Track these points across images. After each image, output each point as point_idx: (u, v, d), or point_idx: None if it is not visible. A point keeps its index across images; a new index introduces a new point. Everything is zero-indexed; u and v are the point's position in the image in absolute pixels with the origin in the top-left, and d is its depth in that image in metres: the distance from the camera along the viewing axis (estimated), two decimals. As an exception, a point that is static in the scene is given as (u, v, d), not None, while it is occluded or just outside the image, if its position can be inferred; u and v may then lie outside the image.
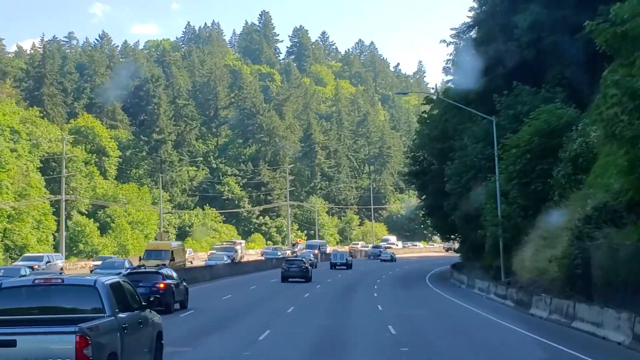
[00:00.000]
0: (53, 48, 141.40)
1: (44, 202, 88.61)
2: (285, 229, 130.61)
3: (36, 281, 12.61)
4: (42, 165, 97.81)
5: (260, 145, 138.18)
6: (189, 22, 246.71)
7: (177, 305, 30.04)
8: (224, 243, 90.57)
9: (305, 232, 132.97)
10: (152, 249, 53.14)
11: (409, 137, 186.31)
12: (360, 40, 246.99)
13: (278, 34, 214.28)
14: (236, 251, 76.21)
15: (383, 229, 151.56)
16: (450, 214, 43.12)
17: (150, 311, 14.17)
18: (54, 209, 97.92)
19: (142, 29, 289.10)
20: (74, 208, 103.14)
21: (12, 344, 10.63)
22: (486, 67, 38.30)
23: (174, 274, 31.42)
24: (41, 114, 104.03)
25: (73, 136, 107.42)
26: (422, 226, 67.87)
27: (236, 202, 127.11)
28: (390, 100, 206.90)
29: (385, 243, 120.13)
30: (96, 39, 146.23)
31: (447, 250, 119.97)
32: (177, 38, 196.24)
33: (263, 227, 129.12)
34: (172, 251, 52.26)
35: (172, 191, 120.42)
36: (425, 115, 58.76)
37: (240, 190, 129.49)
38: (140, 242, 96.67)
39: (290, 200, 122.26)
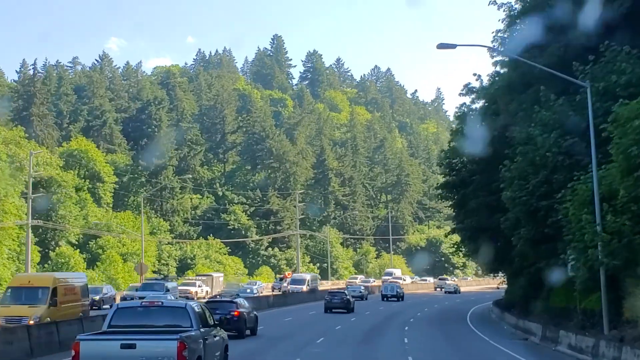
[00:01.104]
0: (50, 69, 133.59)
1: (17, 229, 79.40)
2: (296, 261, 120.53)
3: (143, 303, 18.48)
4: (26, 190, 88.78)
5: (269, 171, 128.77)
6: (200, 49, 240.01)
7: (247, 332, 32.98)
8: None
9: (318, 264, 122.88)
10: (17, 286, 31.38)
11: (428, 165, 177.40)
12: (376, 66, 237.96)
13: (291, 59, 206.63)
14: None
15: (401, 261, 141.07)
16: (506, 234, 32.18)
17: (219, 329, 19.61)
18: (39, 239, 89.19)
19: (157, 62, 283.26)
20: (63, 238, 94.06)
21: (133, 346, 15.53)
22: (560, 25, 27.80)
23: (246, 304, 35.04)
24: (27, 135, 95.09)
25: (63, 159, 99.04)
26: (457, 254, 54.00)
27: (243, 232, 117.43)
28: (408, 127, 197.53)
29: (390, 277, 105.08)
30: (96, 60, 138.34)
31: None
32: (186, 64, 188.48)
33: (272, 259, 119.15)
34: (53, 289, 30.56)
35: (173, 220, 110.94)
36: (468, 103, 46.93)
37: (248, 220, 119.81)
38: (133, 275, 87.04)
39: (301, 230, 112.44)
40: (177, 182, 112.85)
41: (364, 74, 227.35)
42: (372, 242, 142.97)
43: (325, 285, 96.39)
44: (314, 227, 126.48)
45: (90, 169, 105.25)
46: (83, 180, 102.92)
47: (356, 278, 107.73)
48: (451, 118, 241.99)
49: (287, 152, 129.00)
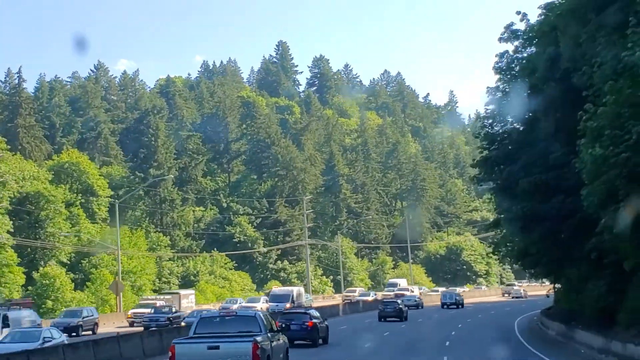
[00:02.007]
0: (43, 83, 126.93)
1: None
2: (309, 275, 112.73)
3: (221, 314, 23.15)
4: (11, 207, 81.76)
5: (276, 179, 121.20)
6: (204, 61, 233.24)
7: (320, 341, 35.55)
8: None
9: (332, 277, 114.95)
10: None
11: (445, 169, 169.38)
12: (386, 70, 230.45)
13: (297, 65, 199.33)
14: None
15: (421, 271, 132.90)
16: (579, 221, 23.56)
17: (281, 334, 23.02)
18: (24, 259, 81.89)
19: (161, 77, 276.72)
20: (53, 257, 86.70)
21: (217, 347, 19.37)
22: None
23: (318, 314, 37.54)
24: (10, 148, 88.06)
25: (52, 173, 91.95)
26: (496, 255, 43.86)
27: (249, 244, 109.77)
28: (421, 131, 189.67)
29: (394, 289, 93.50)
30: (91, 70, 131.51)
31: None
32: (189, 75, 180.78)
33: (281, 273, 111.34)
34: None
35: (174, 234, 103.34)
36: (511, 53, 37.11)
37: (254, 232, 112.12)
38: (128, 295, 79.49)
39: (311, 240, 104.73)
40: (177, 194, 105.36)
41: (374, 78, 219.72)
42: (389, 252, 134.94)
43: (336, 299, 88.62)
44: (326, 237, 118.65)
45: (83, 182, 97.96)
46: (75, 194, 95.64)
47: (354, 291, 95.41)
48: (466, 122, 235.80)
49: (295, 159, 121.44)
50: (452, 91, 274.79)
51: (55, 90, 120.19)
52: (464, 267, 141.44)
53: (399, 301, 61.92)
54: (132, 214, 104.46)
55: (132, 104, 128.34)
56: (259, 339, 19.55)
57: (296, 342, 33.64)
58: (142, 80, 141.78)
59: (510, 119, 34.03)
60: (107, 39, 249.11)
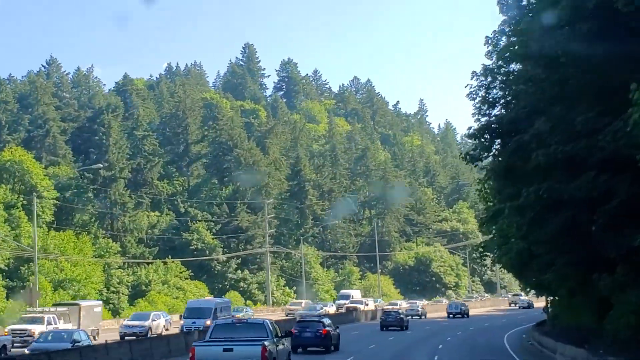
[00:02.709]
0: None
1: None
2: (268, 284, 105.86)
3: (233, 320, 29.05)
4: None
5: (238, 183, 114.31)
6: (169, 63, 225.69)
7: (332, 347, 38.50)
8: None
9: (295, 287, 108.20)
10: None
11: (415, 178, 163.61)
12: (355, 77, 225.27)
13: (264, 69, 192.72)
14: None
15: (389, 282, 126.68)
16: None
17: (284, 340, 26.13)
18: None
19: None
20: (-13, 263, 79.13)
21: (231, 350, 22.45)
22: None
23: (330, 322, 40.55)
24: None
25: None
26: (479, 260, 37.22)
27: (208, 252, 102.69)
28: (391, 139, 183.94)
29: (346, 301, 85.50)
30: (43, 65, 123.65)
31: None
32: (151, 76, 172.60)
33: (241, 284, 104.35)
34: None
35: (125, 240, 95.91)
36: None
37: (213, 239, 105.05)
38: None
39: (273, 247, 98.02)
40: (129, 197, 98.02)
41: (343, 84, 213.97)
42: (356, 262, 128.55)
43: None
44: (290, 246, 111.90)
45: (26, 183, 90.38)
46: (17, 195, 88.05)
47: (300, 304, 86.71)
48: (435, 131, 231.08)
49: (258, 162, 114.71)
50: (422, 100, 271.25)
51: (2, 85, 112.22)
52: (434, 278, 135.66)
53: (400, 311, 67.26)
54: (79, 217, 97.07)
55: (86, 102, 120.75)
56: (267, 343, 22.66)
57: (309, 348, 38.12)
58: (96, 78, 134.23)
59: (517, 72, 27.18)
60: (70, 41, 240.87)
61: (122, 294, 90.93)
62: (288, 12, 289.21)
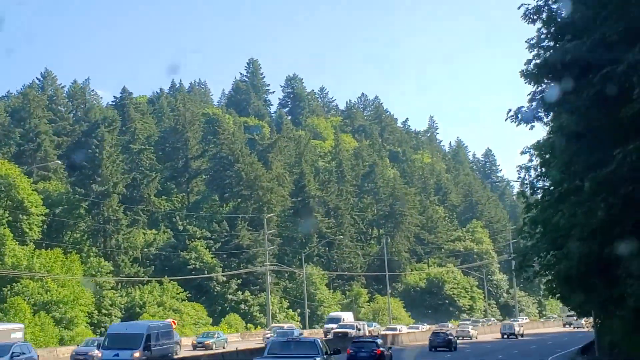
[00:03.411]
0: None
1: None
2: (272, 307, 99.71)
3: (288, 339, 32.14)
4: None
5: (239, 200, 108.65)
6: (172, 80, 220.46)
7: None
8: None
9: (299, 310, 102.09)
10: None
11: (425, 196, 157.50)
12: (363, 94, 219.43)
13: (269, 84, 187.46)
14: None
15: (399, 305, 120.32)
16: None
17: (333, 357, 28.72)
18: None
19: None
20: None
21: None
22: None
23: (383, 343, 45.75)
24: None
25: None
26: (523, 271, 30.69)
27: (206, 272, 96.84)
28: (400, 156, 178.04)
29: (334, 325, 76.58)
30: (37, 78, 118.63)
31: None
32: (154, 92, 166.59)
33: (242, 306, 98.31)
34: None
35: (119, 260, 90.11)
36: None
37: (212, 258, 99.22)
38: (49, 330, 66.36)
39: (274, 266, 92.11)
40: (123, 213, 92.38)
41: (350, 100, 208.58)
42: (364, 283, 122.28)
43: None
44: (294, 265, 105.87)
45: (12, 198, 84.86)
46: (2, 212, 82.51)
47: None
48: (446, 149, 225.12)
49: (260, 177, 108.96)
50: (432, 117, 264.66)
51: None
52: (447, 301, 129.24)
53: (448, 332, 68.18)
54: (71, 235, 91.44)
55: (82, 116, 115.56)
56: (318, 358, 25.54)
57: None
58: (93, 91, 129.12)
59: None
60: (68, 55, 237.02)
61: (115, 316, 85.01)
62: (293, 27, 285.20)
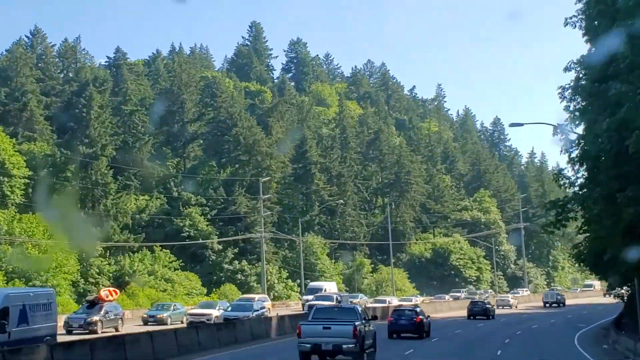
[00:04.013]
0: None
1: None
2: (269, 277, 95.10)
3: (330, 305, 39.60)
4: None
5: (237, 166, 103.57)
6: (172, 43, 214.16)
7: (424, 334, 43.32)
8: None
9: (299, 281, 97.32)
10: None
11: (432, 164, 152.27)
12: (369, 60, 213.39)
13: (272, 49, 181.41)
14: None
15: (403, 276, 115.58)
16: None
17: (372, 322, 30.77)
18: None
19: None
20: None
21: (329, 328, 27.77)
22: None
23: (423, 311, 46.39)
24: None
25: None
26: (558, 227, 26.61)
27: (201, 240, 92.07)
28: (407, 124, 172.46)
29: (311, 296, 67.60)
30: (27, 36, 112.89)
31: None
32: (151, 54, 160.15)
33: (238, 276, 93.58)
34: None
35: (107, 226, 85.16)
36: None
37: (208, 225, 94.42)
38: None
39: (270, 232, 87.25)
40: (112, 177, 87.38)
41: (356, 66, 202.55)
42: (367, 253, 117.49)
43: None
44: (294, 234, 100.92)
45: (-7, 159, 79.89)
46: (-19, 173, 77.76)
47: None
48: (454, 118, 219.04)
49: (259, 142, 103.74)
50: (440, 85, 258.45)
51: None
52: (452, 272, 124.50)
53: (485, 302, 70.11)
54: (57, 199, 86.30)
55: (73, 76, 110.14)
56: (357, 323, 27.97)
57: (403, 334, 42.66)
58: (84, 50, 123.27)
59: None
60: (59, 15, 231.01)
61: (102, 285, 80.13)
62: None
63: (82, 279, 78.51)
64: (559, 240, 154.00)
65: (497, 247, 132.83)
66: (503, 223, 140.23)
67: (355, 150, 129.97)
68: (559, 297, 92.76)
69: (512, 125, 33.34)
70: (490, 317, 65.06)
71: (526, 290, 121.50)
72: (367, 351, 29.03)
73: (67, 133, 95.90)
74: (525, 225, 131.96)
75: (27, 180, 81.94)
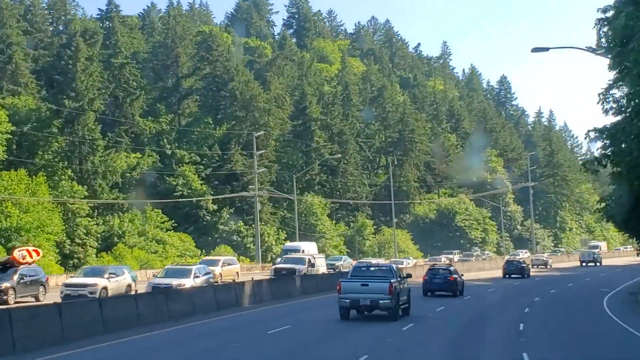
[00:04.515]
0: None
1: None
2: (267, 238, 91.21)
3: (367, 264, 37.58)
4: None
5: (233, 122, 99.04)
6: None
7: (457, 293, 45.04)
8: None
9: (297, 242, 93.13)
10: None
11: (437, 122, 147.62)
12: (373, 17, 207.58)
13: (272, 4, 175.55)
14: None
15: (407, 237, 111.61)
16: None
17: (406, 280, 33.31)
18: None
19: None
20: None
21: (367, 285, 30.37)
22: None
23: (457, 270, 48.28)
24: None
25: None
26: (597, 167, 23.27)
27: (195, 200, 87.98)
28: (412, 81, 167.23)
29: (283, 257, 62.17)
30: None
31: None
32: (146, 7, 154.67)
33: (234, 237, 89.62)
34: None
35: (95, 184, 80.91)
36: None
37: (202, 185, 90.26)
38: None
39: (265, 190, 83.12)
40: (100, 133, 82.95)
41: (359, 22, 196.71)
42: (370, 214, 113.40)
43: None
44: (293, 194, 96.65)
45: (-26, 113, 75.48)
46: (-39, 128, 73.39)
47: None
48: (460, 76, 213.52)
49: (256, 97, 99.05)
50: (445, 42, 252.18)
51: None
52: (457, 233, 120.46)
53: (522, 260, 74.78)
54: (42, 156, 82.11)
55: (62, 29, 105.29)
56: (392, 280, 30.20)
57: (437, 292, 44.85)
58: (75, 1, 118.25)
59: None
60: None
61: (90, 246, 76.33)
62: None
63: (68, 240, 74.46)
64: (566, 201, 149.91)
65: (503, 207, 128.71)
66: (510, 183, 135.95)
67: (358, 107, 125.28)
68: (595, 256, 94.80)
69: (535, 50, 29.08)
70: (526, 276, 66.94)
71: (526, 252, 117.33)
72: (402, 307, 31.48)
73: (57, 88, 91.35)
74: (532, 184, 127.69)
75: (9, 136, 77.48)
